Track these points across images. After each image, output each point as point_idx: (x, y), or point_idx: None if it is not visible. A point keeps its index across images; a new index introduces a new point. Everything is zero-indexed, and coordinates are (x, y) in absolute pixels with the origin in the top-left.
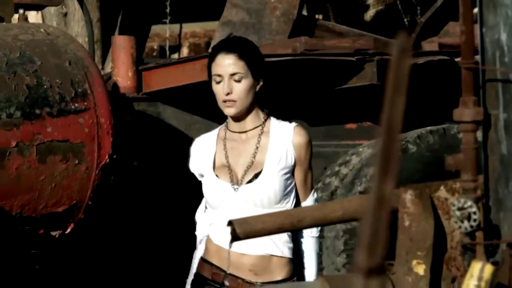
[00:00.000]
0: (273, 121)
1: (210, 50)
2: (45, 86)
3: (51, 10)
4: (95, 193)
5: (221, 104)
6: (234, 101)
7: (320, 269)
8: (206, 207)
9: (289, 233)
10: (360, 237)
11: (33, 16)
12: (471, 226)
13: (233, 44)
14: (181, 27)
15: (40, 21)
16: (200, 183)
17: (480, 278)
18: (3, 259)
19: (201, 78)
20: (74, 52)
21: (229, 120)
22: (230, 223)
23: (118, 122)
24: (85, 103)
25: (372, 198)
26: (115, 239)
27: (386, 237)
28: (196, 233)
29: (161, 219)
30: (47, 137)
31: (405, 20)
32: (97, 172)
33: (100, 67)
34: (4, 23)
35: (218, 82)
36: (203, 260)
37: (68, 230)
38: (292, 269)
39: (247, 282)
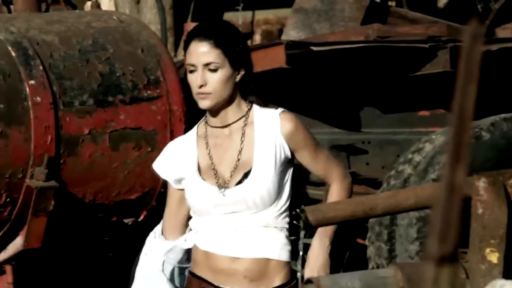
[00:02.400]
0: (256, 109)
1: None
2: (117, 74)
3: None
4: None
5: (195, 96)
6: (209, 93)
7: (393, 257)
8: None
9: (286, 234)
10: (433, 225)
11: (106, 4)
12: None
13: (208, 30)
14: (253, 14)
15: (113, 9)
16: (165, 192)
17: None
18: (77, 247)
19: (274, 66)
20: (147, 40)
21: (208, 114)
22: (302, 210)
23: (190, 110)
24: (158, 91)
25: (444, 185)
26: None
27: (459, 225)
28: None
29: None
30: (119, 125)
31: (479, 6)
32: None
33: (172, 54)
34: (77, 10)
35: (191, 72)
36: (191, 274)
37: (141, 218)
38: (291, 273)
39: None
